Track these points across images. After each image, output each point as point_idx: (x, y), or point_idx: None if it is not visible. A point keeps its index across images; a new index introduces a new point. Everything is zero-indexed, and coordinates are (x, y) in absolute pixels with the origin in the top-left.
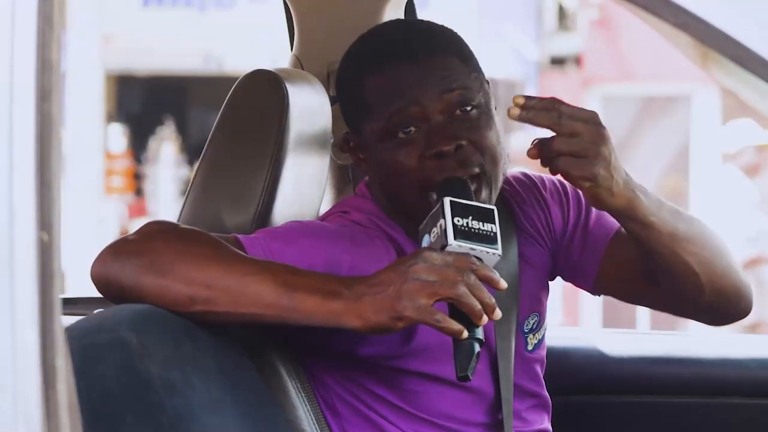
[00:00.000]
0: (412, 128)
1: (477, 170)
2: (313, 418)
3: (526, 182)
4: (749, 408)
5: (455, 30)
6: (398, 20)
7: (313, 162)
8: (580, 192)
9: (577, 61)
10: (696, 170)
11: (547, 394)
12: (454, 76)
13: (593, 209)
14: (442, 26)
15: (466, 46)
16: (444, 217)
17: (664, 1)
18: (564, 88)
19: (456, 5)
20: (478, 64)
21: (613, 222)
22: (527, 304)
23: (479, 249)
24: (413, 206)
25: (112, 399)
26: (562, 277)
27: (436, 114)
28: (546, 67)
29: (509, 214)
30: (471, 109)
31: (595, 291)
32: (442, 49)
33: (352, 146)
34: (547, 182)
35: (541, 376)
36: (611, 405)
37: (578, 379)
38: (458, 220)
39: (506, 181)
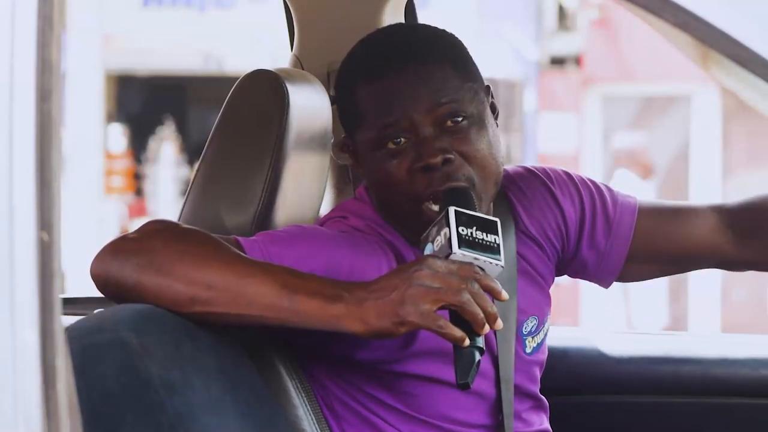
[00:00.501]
0: (402, 139)
1: (465, 183)
2: (314, 418)
3: (531, 179)
4: (749, 408)
5: (455, 35)
6: (397, 25)
7: (313, 162)
8: (588, 179)
9: (577, 61)
10: (696, 170)
11: (542, 396)
12: (446, 88)
13: (606, 193)
14: (442, 32)
15: (464, 52)
16: (449, 226)
17: (664, 1)
18: (564, 88)
19: (456, 5)
20: (475, 71)
21: (632, 198)
22: (525, 306)
23: (483, 259)
24: (406, 215)
25: (112, 399)
26: (585, 273)
27: (426, 127)
28: (546, 67)
29: (510, 216)
30: (462, 120)
31: (624, 275)
32: (437, 58)
33: (350, 150)
34: (552, 174)
35: (539, 379)
36: (611, 405)
37: (578, 379)
38: (463, 230)
39: (509, 178)
